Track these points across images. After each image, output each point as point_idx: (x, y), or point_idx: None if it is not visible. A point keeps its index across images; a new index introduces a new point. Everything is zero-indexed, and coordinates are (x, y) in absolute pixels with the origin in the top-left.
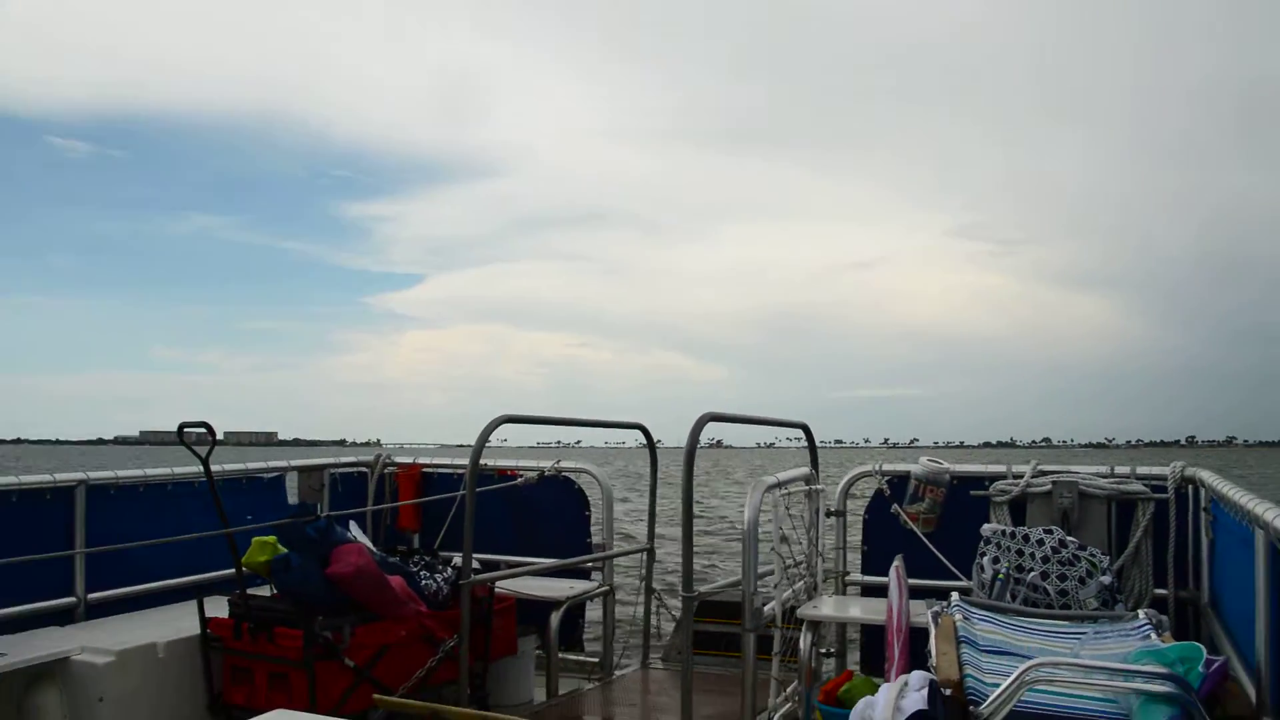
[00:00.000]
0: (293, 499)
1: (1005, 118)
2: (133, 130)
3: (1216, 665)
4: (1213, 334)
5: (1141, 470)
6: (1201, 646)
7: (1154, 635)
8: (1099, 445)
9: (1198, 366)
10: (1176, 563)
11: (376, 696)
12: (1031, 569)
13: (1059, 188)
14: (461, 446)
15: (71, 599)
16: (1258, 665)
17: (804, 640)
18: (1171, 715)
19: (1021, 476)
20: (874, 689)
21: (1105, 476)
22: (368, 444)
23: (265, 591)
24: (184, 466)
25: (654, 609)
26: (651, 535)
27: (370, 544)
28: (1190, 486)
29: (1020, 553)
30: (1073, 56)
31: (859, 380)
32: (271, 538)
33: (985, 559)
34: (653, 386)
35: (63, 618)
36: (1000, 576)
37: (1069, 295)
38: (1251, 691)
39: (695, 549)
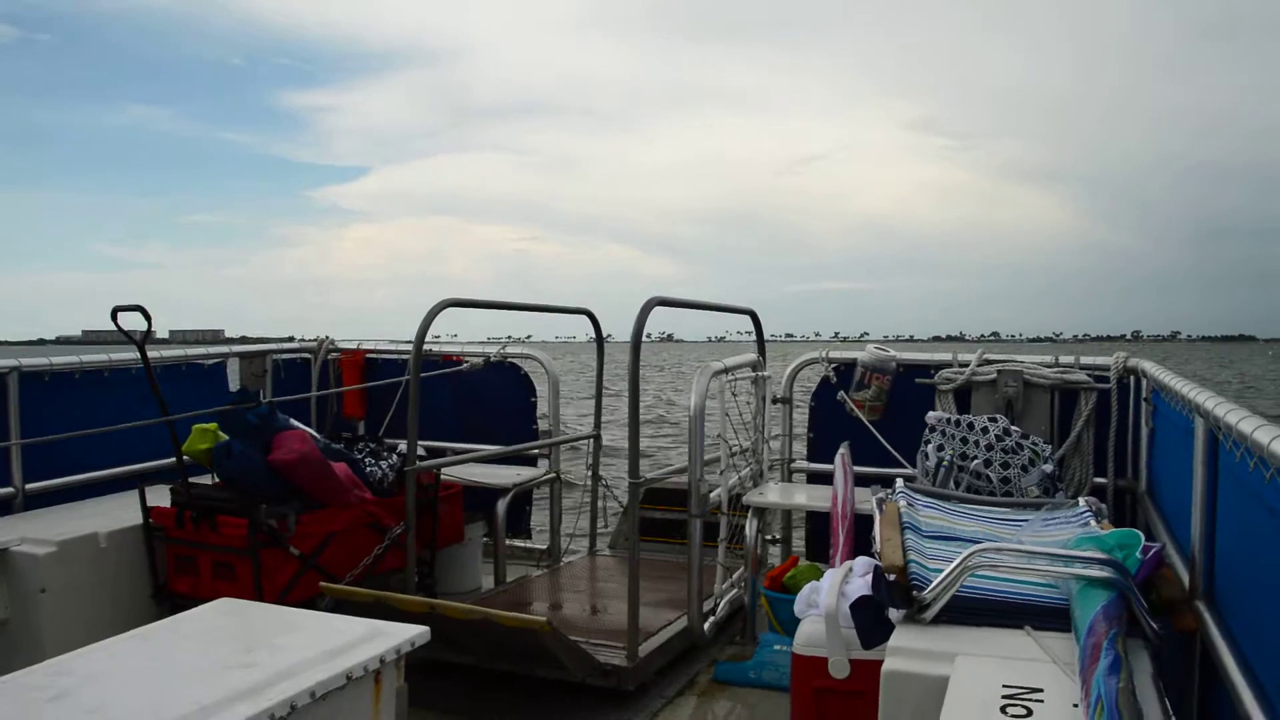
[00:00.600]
0: (234, 386)
1: (960, 13)
2: (59, 14)
3: (1153, 551)
4: (1162, 234)
5: (1085, 360)
6: (1139, 533)
7: (1093, 522)
8: (1047, 339)
9: (1146, 266)
10: (1116, 452)
11: (323, 585)
12: (975, 457)
13: (1014, 84)
14: (408, 342)
15: (9, 489)
16: (1192, 551)
17: (750, 527)
18: (1109, 599)
19: (967, 365)
20: (819, 575)
21: (1050, 366)
22: (315, 340)
23: (207, 480)
24: (121, 353)
25: (601, 496)
26: (598, 421)
27: (314, 431)
28: (1132, 377)
29: (964, 440)
30: None
31: (811, 274)
32: (212, 425)
33: (930, 447)
34: (603, 280)
35: (1, 509)
36: (944, 464)
37: (1021, 192)
38: (1185, 576)
39: (650, 441)
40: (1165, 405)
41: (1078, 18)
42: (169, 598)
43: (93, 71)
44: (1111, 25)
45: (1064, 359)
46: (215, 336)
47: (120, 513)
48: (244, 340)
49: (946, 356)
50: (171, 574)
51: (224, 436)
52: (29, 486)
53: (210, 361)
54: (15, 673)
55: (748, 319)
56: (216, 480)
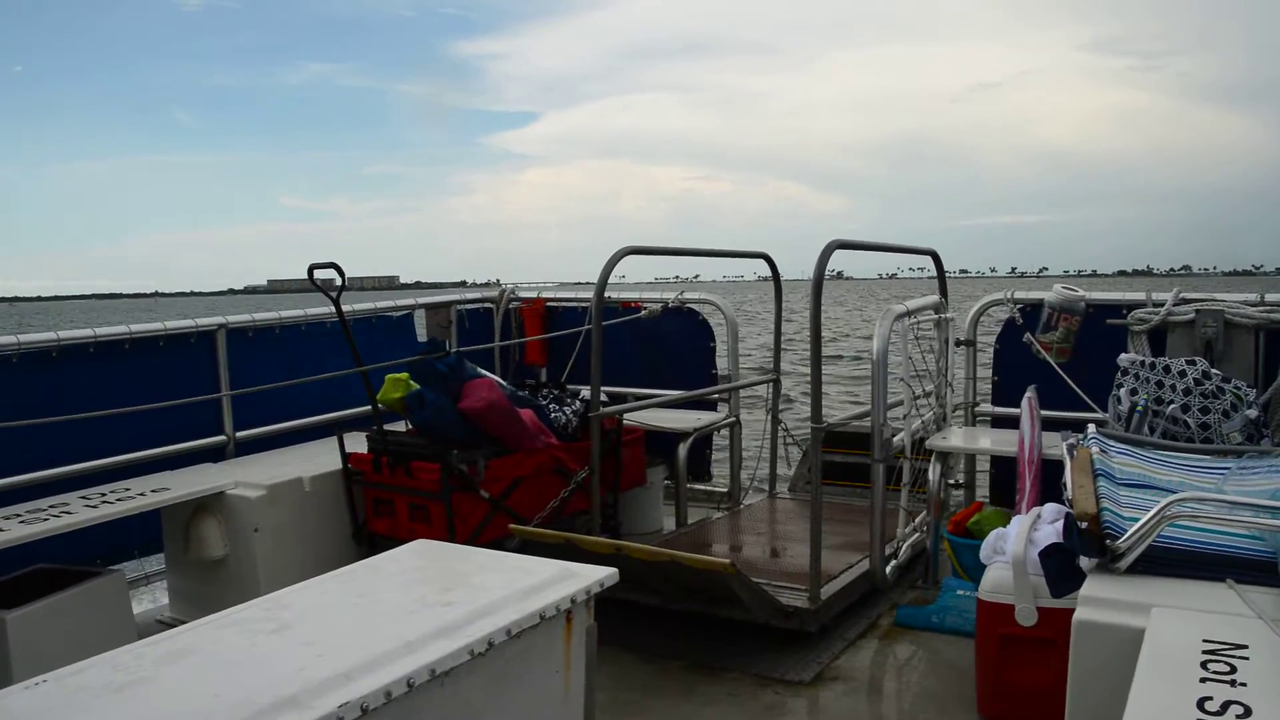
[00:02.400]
0: (421, 336)
1: None
2: None
3: None
4: None
5: None
6: None
7: None
8: (1245, 273)
9: None
10: None
11: (513, 526)
12: (1171, 401)
13: None
14: (579, 284)
15: (222, 438)
16: None
17: (933, 471)
18: None
19: (1162, 305)
20: (1005, 521)
21: (1254, 305)
22: (487, 284)
23: (401, 427)
24: (316, 308)
25: (781, 440)
26: (778, 365)
27: (500, 379)
28: None
29: (1160, 384)
30: None
31: (985, 208)
32: (404, 375)
33: (1122, 390)
34: (773, 218)
35: (215, 455)
36: (1138, 409)
37: (1212, 113)
38: None
39: (827, 381)
40: None
41: None
42: (368, 538)
43: (272, 33)
44: None
45: (1270, 297)
46: (390, 283)
47: (321, 458)
48: (419, 286)
49: (1139, 295)
50: (370, 516)
51: (415, 386)
52: (239, 434)
53: (398, 313)
54: (239, 606)
55: (923, 256)
56: (409, 427)
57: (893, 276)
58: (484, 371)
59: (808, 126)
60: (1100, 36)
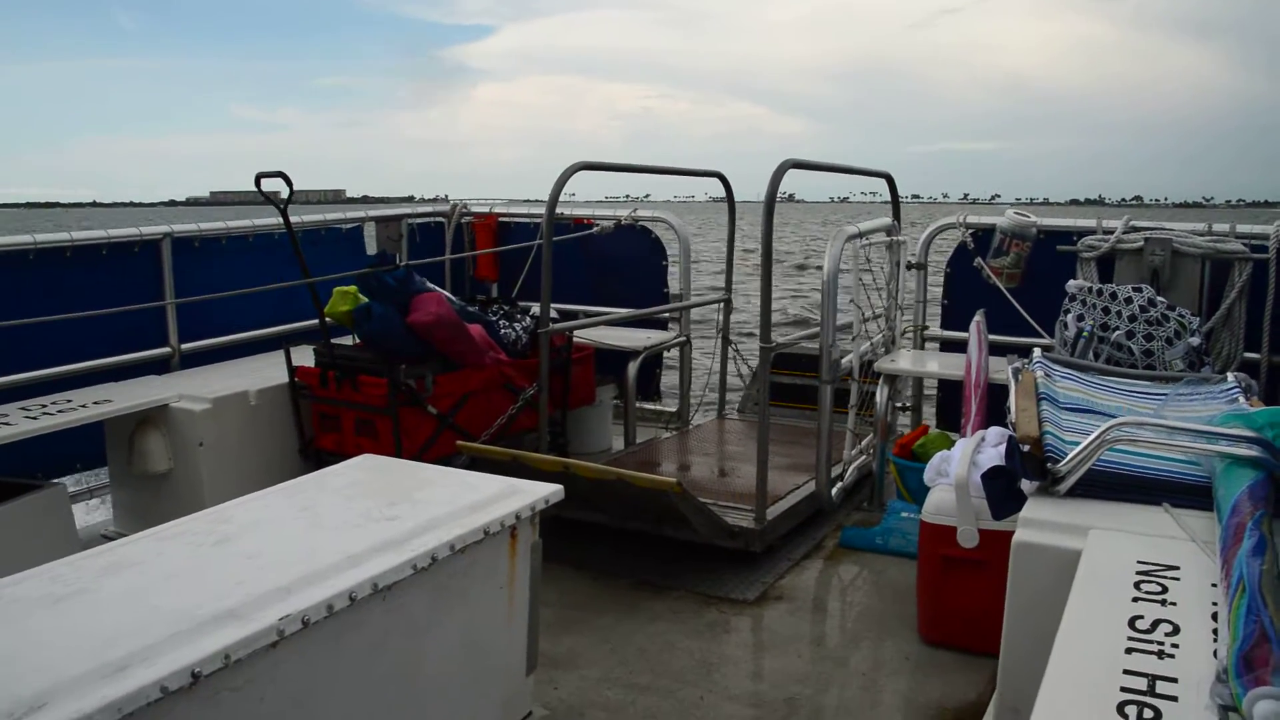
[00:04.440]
0: (371, 249)
1: None
2: None
3: None
4: None
5: (1241, 229)
6: None
7: (1242, 399)
8: (1195, 204)
9: None
10: (1272, 326)
11: (460, 443)
12: (1117, 328)
13: None
14: (529, 201)
15: (166, 349)
16: None
17: (880, 394)
18: (1256, 479)
19: (1112, 232)
20: (950, 444)
21: (1201, 235)
22: (435, 200)
23: (348, 340)
24: (264, 219)
25: (730, 360)
26: (729, 285)
27: (449, 294)
28: None
29: (1106, 310)
30: None
31: (941, 134)
32: (352, 288)
33: (1069, 316)
34: (730, 139)
35: (160, 367)
36: (1084, 334)
37: (1170, 45)
38: None
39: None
40: None
41: None
42: (314, 453)
43: None
44: None
45: (1217, 227)
46: (336, 197)
47: (267, 372)
48: (366, 200)
49: (1090, 223)
50: (317, 430)
51: (364, 299)
52: (184, 347)
53: (348, 226)
54: (181, 519)
55: (877, 180)
56: (357, 341)
57: (845, 200)
58: (433, 286)
59: (768, 48)
60: None
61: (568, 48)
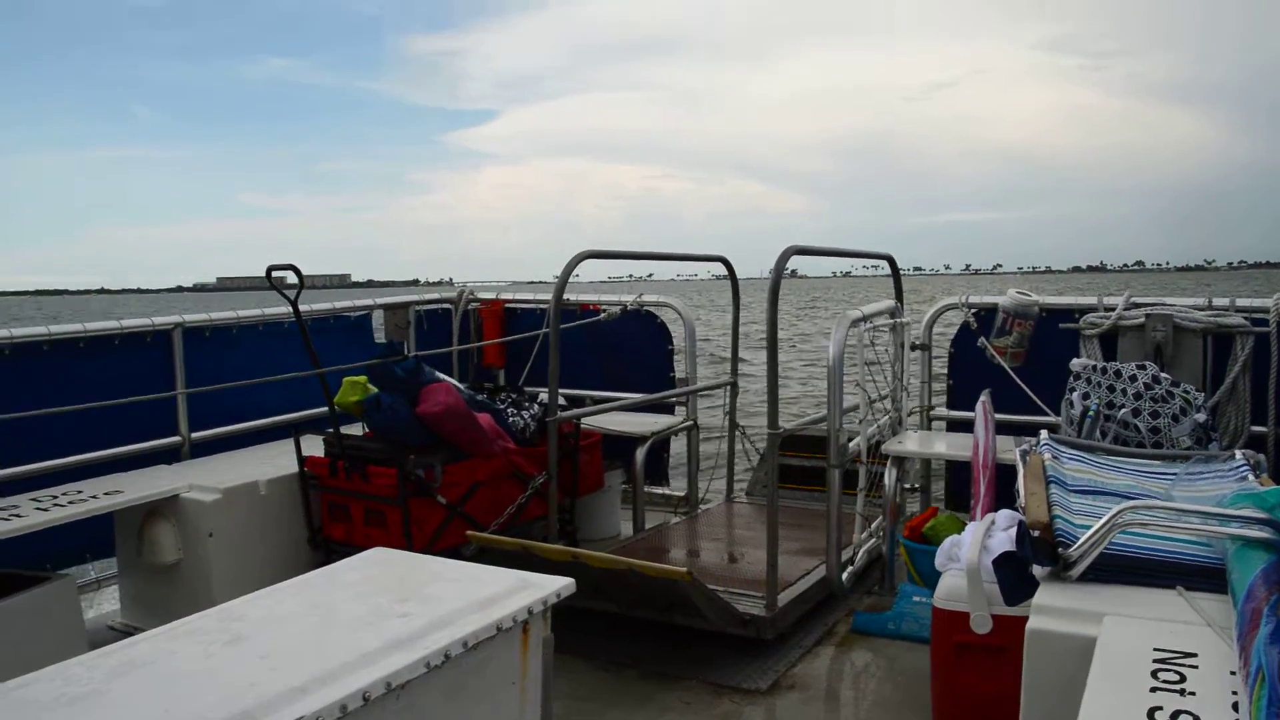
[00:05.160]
0: (379, 338)
1: None
2: None
3: None
4: None
5: (1241, 302)
6: None
7: (1251, 476)
8: (1197, 268)
9: None
10: (1278, 399)
11: (469, 533)
12: (1123, 405)
13: None
14: (535, 284)
15: (177, 438)
16: None
17: (889, 476)
18: (1269, 561)
19: (1113, 309)
20: (960, 526)
21: (1202, 309)
22: (439, 283)
23: (358, 430)
24: (273, 308)
25: (738, 444)
26: (735, 369)
27: (458, 383)
28: None
29: (1111, 389)
30: None
31: (941, 205)
32: (362, 377)
33: (1074, 395)
34: (731, 217)
35: (170, 456)
36: (1090, 413)
37: (1163, 110)
38: None
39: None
40: None
41: None
42: (324, 543)
43: (232, 28)
44: None
45: (1218, 301)
46: (341, 281)
47: (277, 461)
48: (371, 284)
49: (1091, 299)
50: (326, 520)
51: (373, 389)
52: (194, 435)
53: (356, 314)
54: (193, 616)
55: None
56: (367, 431)
57: (848, 275)
58: (442, 375)
59: (765, 126)
60: (1052, 36)
61: (569, 130)
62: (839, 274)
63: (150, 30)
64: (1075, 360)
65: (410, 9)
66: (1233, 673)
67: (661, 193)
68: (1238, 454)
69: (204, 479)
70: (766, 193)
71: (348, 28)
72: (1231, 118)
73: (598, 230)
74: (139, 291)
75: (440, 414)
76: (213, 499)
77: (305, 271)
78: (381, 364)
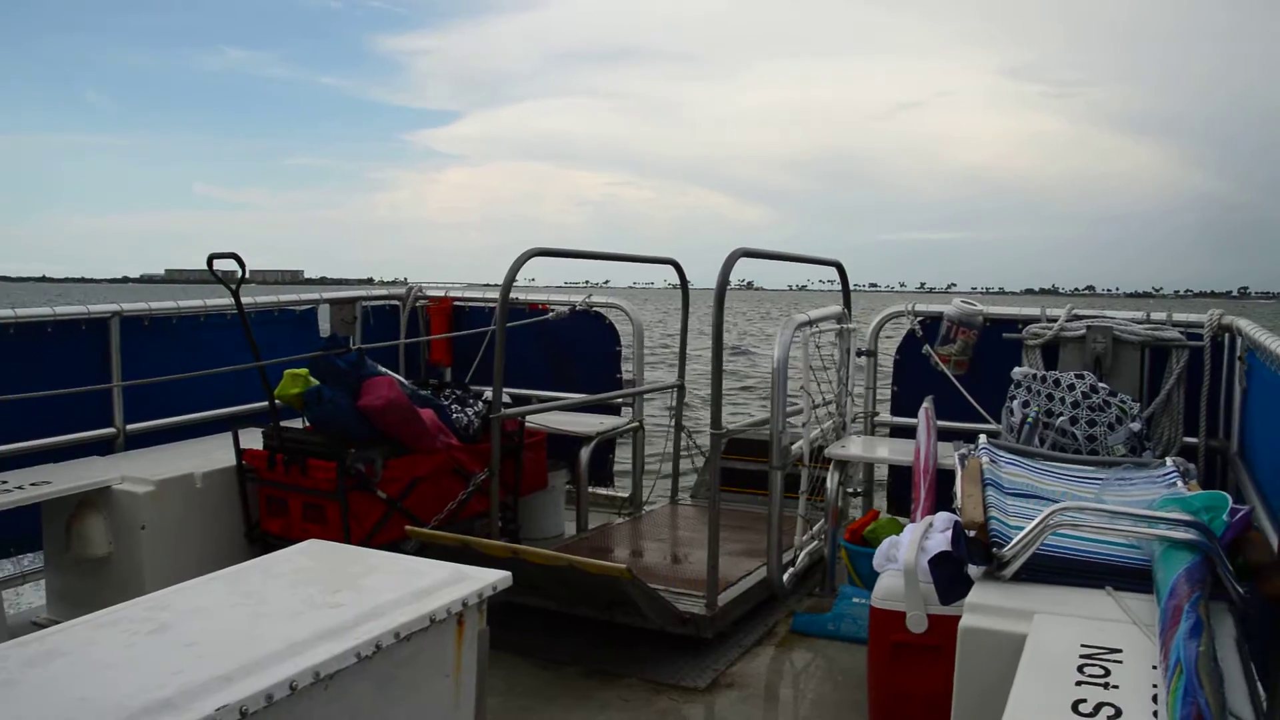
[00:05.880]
0: (325, 331)
1: None
2: None
3: (1241, 514)
4: (1273, 184)
5: (1178, 318)
6: (1227, 495)
7: (1180, 483)
8: (1145, 294)
9: (1255, 218)
10: (1208, 411)
11: (409, 528)
12: (1061, 414)
13: (1114, 24)
14: (488, 285)
15: (111, 430)
16: None
17: (831, 479)
18: (1193, 561)
19: (1055, 320)
20: (899, 529)
21: (1141, 323)
22: (394, 282)
23: (298, 424)
24: (216, 299)
25: (684, 446)
26: (682, 372)
27: (402, 378)
28: (1227, 335)
29: (1050, 397)
30: None
31: (901, 223)
32: (303, 370)
33: (1015, 403)
34: (693, 226)
35: (104, 448)
36: (1029, 420)
37: (1122, 140)
38: (1274, 539)
39: (730, 388)
40: (1260, 365)
41: None
42: (261, 538)
43: (193, 17)
44: None
45: (1156, 315)
46: (294, 277)
47: (215, 454)
48: (323, 281)
49: (1034, 311)
50: (263, 514)
51: (315, 382)
52: (130, 427)
53: (302, 308)
54: (117, 606)
55: (832, 269)
56: (307, 424)
57: (803, 288)
58: (385, 369)
59: (732, 137)
60: (1019, 63)
61: (533, 134)
62: (795, 287)
63: (106, 14)
64: (1017, 369)
65: (376, 7)
66: (1154, 666)
67: (624, 200)
68: (1168, 461)
69: (138, 471)
70: (730, 204)
71: (312, 22)
72: (1185, 150)
73: (559, 234)
74: (82, 281)
75: (382, 408)
76: (146, 491)
77: (258, 266)
78: (323, 357)
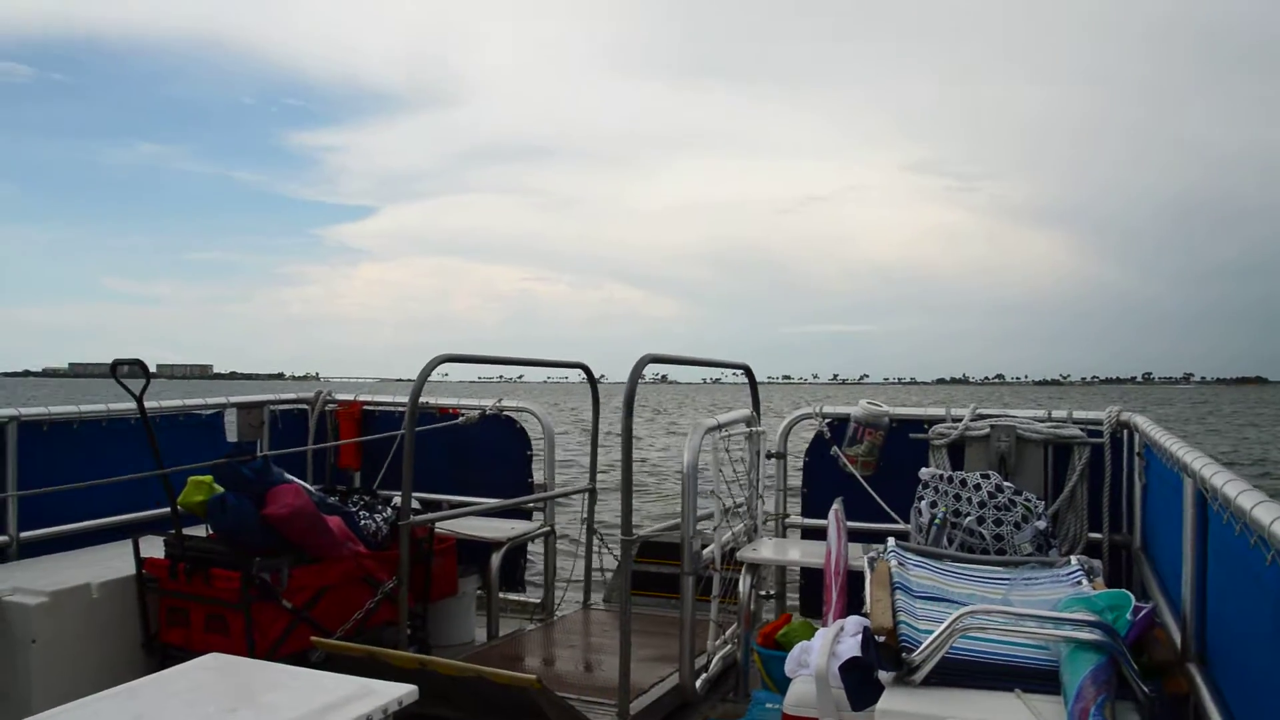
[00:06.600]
0: (231, 437)
1: (959, 54)
2: (74, 55)
3: (1144, 612)
4: (1175, 275)
5: (1078, 415)
6: (1130, 594)
7: (1085, 582)
8: (1053, 382)
9: (1158, 307)
10: (1111, 507)
11: (315, 639)
12: (968, 514)
13: (1015, 122)
14: (401, 381)
15: (4, 538)
16: (1183, 611)
17: (743, 582)
18: (1098, 662)
19: (960, 420)
20: (812, 633)
21: (1042, 421)
22: (305, 378)
23: (201, 532)
24: (119, 404)
25: (596, 550)
26: (593, 475)
27: (308, 484)
28: (1125, 431)
29: (958, 497)
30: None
31: (812, 316)
32: (208, 477)
33: (923, 503)
34: (605, 321)
35: None
36: (937, 521)
37: (1027, 233)
38: (1177, 637)
39: (640, 490)
40: (1157, 461)
41: (1071, 54)
42: (160, 649)
43: (107, 112)
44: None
45: (1057, 413)
46: (203, 372)
47: (114, 563)
48: (233, 376)
49: (939, 410)
50: (164, 625)
51: (219, 489)
52: (24, 535)
53: (208, 412)
54: None
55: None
56: (211, 532)
57: (717, 381)
58: (290, 477)
59: (642, 232)
60: (923, 158)
61: (447, 229)
62: (709, 380)
63: (12, 105)
64: (924, 470)
65: (290, 104)
66: None
67: (538, 294)
68: (1073, 560)
69: (30, 581)
70: (642, 298)
71: (224, 117)
72: (1085, 242)
73: (473, 329)
74: None
75: (287, 516)
76: (38, 602)
77: (167, 360)
78: (228, 463)
